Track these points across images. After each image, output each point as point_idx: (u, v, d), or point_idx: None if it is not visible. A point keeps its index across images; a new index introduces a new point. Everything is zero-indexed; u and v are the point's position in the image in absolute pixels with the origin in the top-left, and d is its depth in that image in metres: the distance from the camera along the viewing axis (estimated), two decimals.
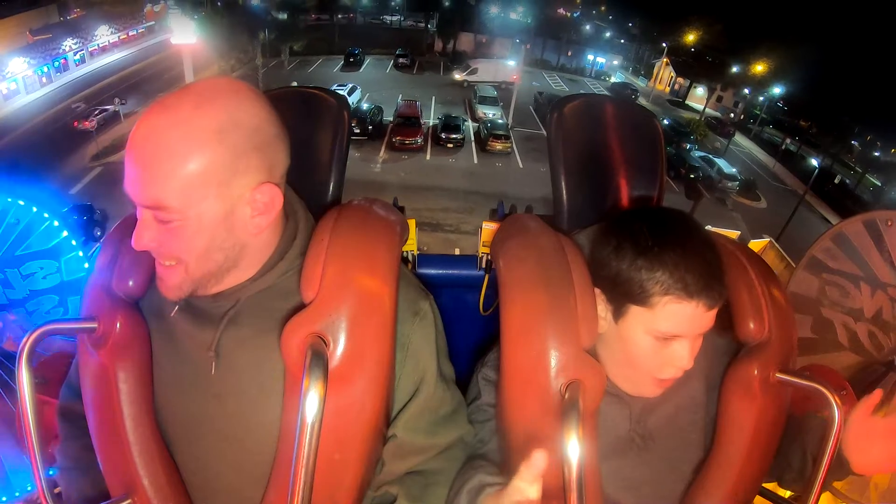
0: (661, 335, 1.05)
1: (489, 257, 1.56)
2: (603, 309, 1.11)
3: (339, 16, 45.25)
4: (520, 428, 1.07)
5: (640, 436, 1.19)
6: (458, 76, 35.54)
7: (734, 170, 25.37)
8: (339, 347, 0.93)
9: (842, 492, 1.70)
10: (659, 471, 1.19)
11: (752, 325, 1.16)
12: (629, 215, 1.11)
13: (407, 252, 1.74)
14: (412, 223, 1.51)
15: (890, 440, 1.06)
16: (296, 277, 1.01)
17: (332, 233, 1.01)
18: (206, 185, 0.88)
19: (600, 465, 1.08)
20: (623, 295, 1.06)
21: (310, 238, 1.05)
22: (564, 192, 1.42)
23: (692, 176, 24.35)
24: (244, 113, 0.90)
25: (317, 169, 1.37)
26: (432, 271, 1.83)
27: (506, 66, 36.20)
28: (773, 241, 12.05)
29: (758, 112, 35.76)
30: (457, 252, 15.06)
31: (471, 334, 1.56)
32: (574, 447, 0.87)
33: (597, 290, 1.10)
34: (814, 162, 24.59)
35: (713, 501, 1.16)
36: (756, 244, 11.90)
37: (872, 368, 1.75)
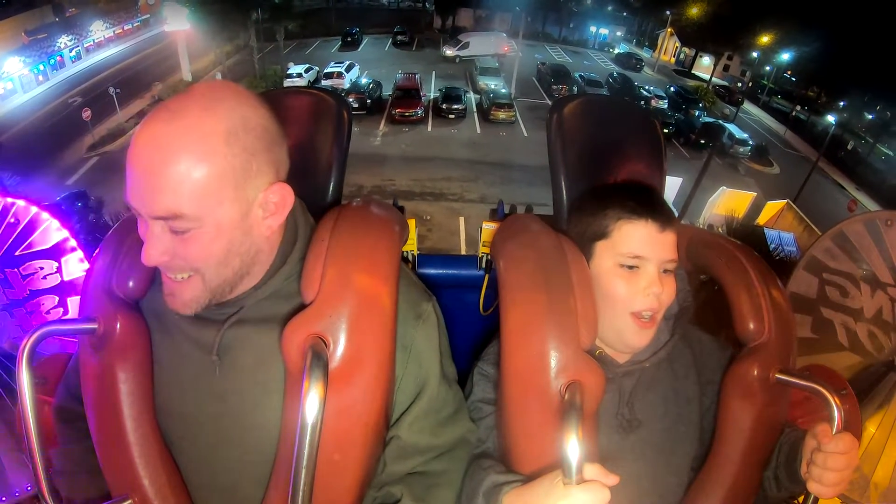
0: (625, 258, 1.15)
1: (489, 257, 1.56)
2: None
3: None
4: (520, 428, 1.07)
5: (626, 419, 1.20)
6: (449, 52, 34.25)
7: (746, 135, 25.10)
8: (339, 348, 0.93)
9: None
10: (654, 464, 1.20)
11: (751, 326, 1.17)
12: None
13: (407, 252, 1.74)
14: (412, 223, 1.51)
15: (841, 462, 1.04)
16: (297, 280, 1.01)
17: (332, 233, 1.01)
18: (222, 189, 0.87)
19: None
20: (589, 239, 1.20)
21: (309, 240, 1.05)
22: (564, 192, 1.42)
23: (702, 141, 24.09)
24: (252, 113, 0.89)
25: (316, 170, 1.36)
26: (432, 271, 1.83)
27: (499, 37, 35.27)
28: (791, 202, 12.04)
29: (765, 83, 35.50)
30: (462, 220, 15.10)
31: (471, 334, 1.56)
32: (574, 447, 0.86)
33: None
34: (829, 119, 24.22)
35: (713, 500, 1.17)
36: (774, 205, 11.95)
37: (872, 368, 1.75)
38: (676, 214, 1.19)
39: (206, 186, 0.85)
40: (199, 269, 0.93)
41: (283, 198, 0.96)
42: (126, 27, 36.05)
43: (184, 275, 0.93)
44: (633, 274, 1.15)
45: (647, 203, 1.15)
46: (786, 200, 12.33)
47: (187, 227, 0.87)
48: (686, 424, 1.24)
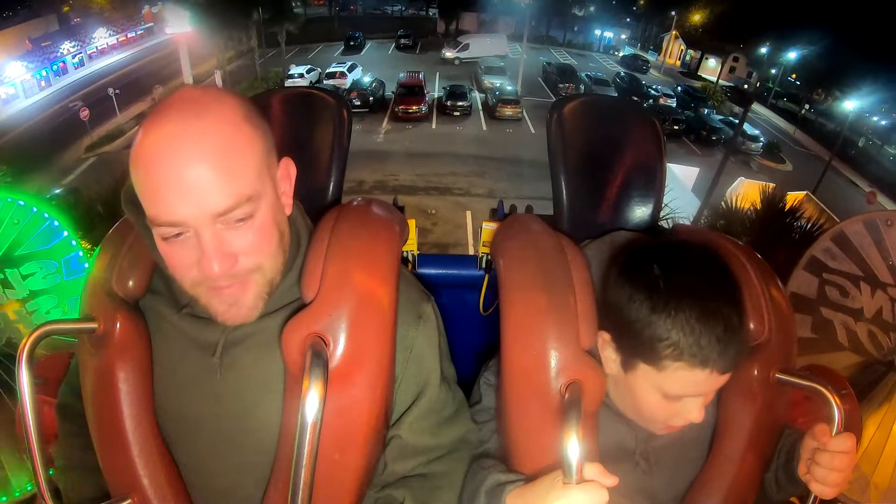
0: (669, 395, 1.01)
1: (489, 257, 1.56)
2: (612, 352, 1.06)
3: (338, 8, 45.11)
4: (520, 428, 1.07)
5: (644, 459, 1.19)
6: (449, 54, 33.97)
7: (757, 131, 25.18)
8: (339, 347, 0.93)
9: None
10: (655, 484, 1.19)
11: (752, 326, 1.16)
12: (643, 253, 1.03)
13: (407, 252, 1.73)
14: (412, 223, 1.51)
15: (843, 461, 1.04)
16: (299, 283, 1.01)
17: (331, 233, 1.01)
18: (263, 167, 0.89)
19: None
20: (633, 349, 1.01)
21: (309, 241, 1.05)
22: (564, 192, 1.42)
23: (714, 138, 24.20)
24: (245, 100, 0.90)
25: (316, 169, 1.37)
26: (432, 271, 1.82)
27: (499, 38, 35.25)
28: (811, 193, 12.07)
29: (771, 86, 35.65)
30: (468, 214, 15.09)
31: (471, 334, 1.56)
32: (574, 447, 0.86)
33: (606, 335, 1.07)
34: (841, 114, 24.28)
35: (713, 500, 1.17)
36: (794, 196, 11.93)
37: (872, 368, 1.75)
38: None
39: (257, 164, 0.87)
40: (258, 264, 0.92)
41: (288, 172, 0.98)
42: (129, 35, 36.50)
43: (239, 279, 0.91)
44: (674, 401, 1.03)
45: (720, 344, 0.93)
46: (805, 192, 12.38)
47: (251, 210, 0.86)
48: (695, 448, 1.23)
